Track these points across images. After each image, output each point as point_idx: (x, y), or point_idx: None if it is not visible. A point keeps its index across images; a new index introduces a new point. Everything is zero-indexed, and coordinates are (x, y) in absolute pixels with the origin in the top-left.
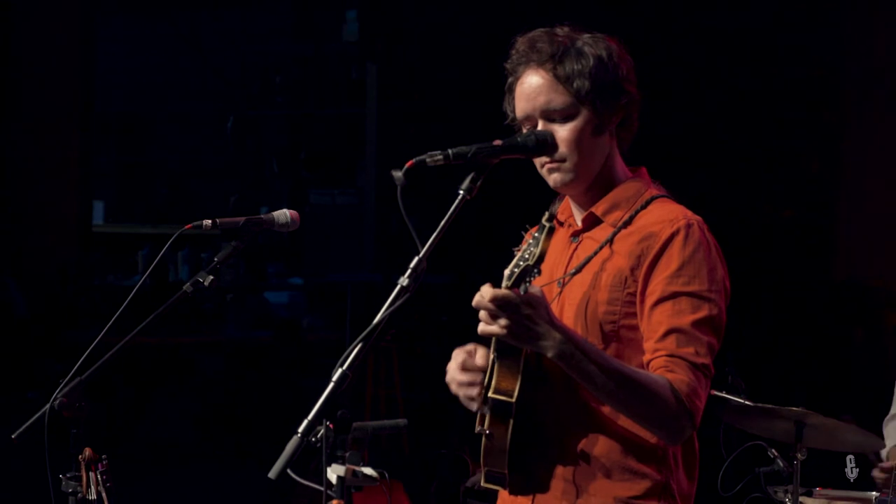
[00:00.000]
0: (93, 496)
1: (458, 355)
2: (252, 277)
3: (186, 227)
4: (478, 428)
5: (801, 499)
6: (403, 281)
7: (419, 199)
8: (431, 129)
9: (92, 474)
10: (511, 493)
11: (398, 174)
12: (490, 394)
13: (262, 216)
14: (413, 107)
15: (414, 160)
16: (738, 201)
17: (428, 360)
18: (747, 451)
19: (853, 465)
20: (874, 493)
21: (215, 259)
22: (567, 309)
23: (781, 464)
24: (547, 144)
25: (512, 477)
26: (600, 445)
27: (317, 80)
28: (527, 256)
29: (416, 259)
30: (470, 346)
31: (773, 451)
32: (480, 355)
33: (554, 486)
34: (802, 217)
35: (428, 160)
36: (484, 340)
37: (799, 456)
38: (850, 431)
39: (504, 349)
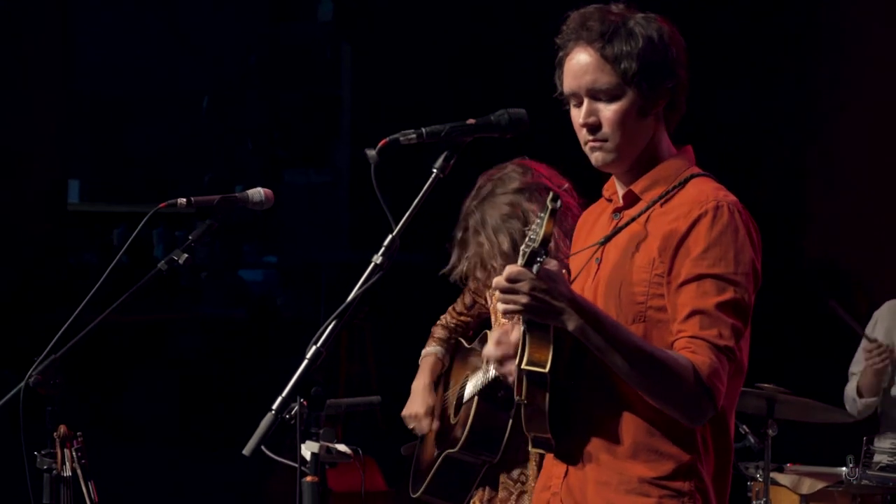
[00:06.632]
0: (67, 473)
1: (493, 333)
2: (227, 256)
3: (161, 205)
4: (516, 398)
5: (772, 474)
6: (377, 259)
7: (393, 177)
8: (405, 109)
9: (67, 451)
10: (556, 456)
11: (372, 153)
12: (523, 366)
13: (237, 194)
14: (387, 86)
15: (387, 139)
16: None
17: (401, 337)
18: None
19: (852, 464)
20: (843, 468)
21: (190, 237)
22: (601, 286)
23: (753, 440)
24: (521, 123)
25: (557, 442)
26: (626, 425)
27: (292, 60)
28: (533, 237)
29: (389, 237)
30: (508, 325)
31: (745, 427)
32: (515, 332)
33: (583, 463)
34: (775, 200)
35: (401, 139)
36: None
37: (770, 432)
38: (818, 407)
39: (533, 321)
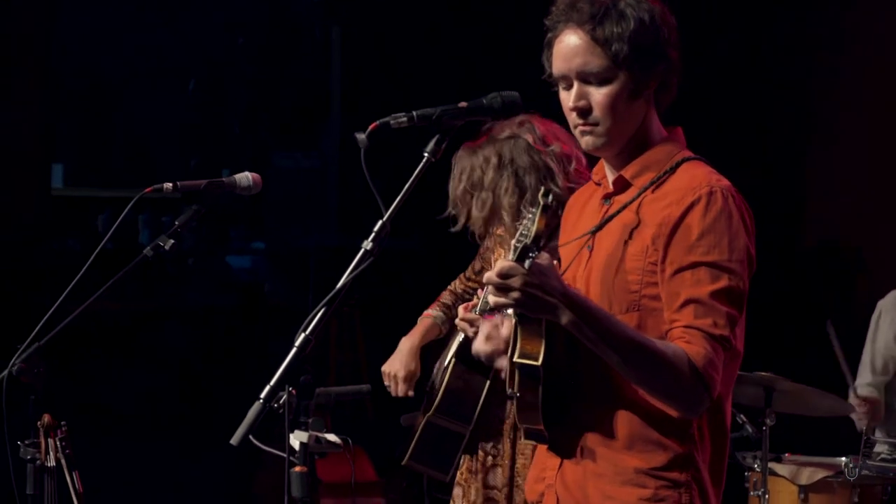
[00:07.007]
0: (52, 463)
1: (483, 327)
2: (214, 241)
3: (147, 190)
4: (508, 390)
5: (770, 465)
6: (367, 245)
7: (383, 161)
8: (396, 91)
9: (51, 441)
10: (550, 448)
11: (362, 136)
12: (515, 359)
13: (224, 179)
14: (377, 69)
15: (377, 122)
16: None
17: (392, 325)
18: None
19: (851, 465)
20: (843, 458)
21: (176, 223)
22: (594, 275)
23: (750, 429)
24: (515, 106)
25: (550, 433)
26: (621, 416)
27: (280, 42)
28: (525, 233)
29: (379, 223)
30: (497, 319)
31: (742, 416)
32: (506, 326)
33: (578, 455)
34: (773, 181)
35: (392, 122)
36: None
37: (768, 422)
38: (819, 396)
39: (524, 314)
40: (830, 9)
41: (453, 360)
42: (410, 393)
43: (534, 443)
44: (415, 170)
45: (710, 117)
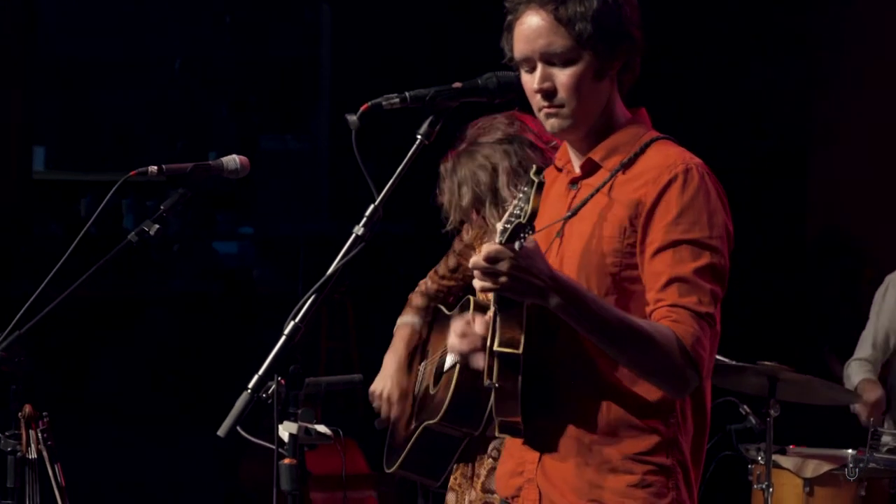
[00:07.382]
0: (33, 455)
1: (456, 325)
2: (200, 226)
3: (131, 173)
4: (486, 381)
5: (774, 457)
6: (358, 230)
7: (375, 144)
8: (388, 72)
9: (32, 432)
10: (526, 441)
11: (353, 118)
12: (496, 347)
13: (211, 162)
14: (369, 48)
15: (369, 104)
16: (709, 153)
17: (384, 312)
18: (718, 407)
19: (852, 465)
20: (850, 450)
21: (161, 207)
22: (568, 261)
23: (754, 421)
24: (511, 87)
25: (525, 426)
26: (603, 403)
27: (269, 21)
28: (517, 213)
29: (371, 207)
30: (468, 316)
31: (745, 407)
32: (479, 324)
33: (561, 445)
34: (776, 178)
35: (384, 104)
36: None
37: (772, 412)
38: (823, 386)
39: (505, 301)
40: (830, 9)
41: (457, 367)
42: (408, 405)
43: (508, 436)
44: (408, 152)
45: (711, 116)
